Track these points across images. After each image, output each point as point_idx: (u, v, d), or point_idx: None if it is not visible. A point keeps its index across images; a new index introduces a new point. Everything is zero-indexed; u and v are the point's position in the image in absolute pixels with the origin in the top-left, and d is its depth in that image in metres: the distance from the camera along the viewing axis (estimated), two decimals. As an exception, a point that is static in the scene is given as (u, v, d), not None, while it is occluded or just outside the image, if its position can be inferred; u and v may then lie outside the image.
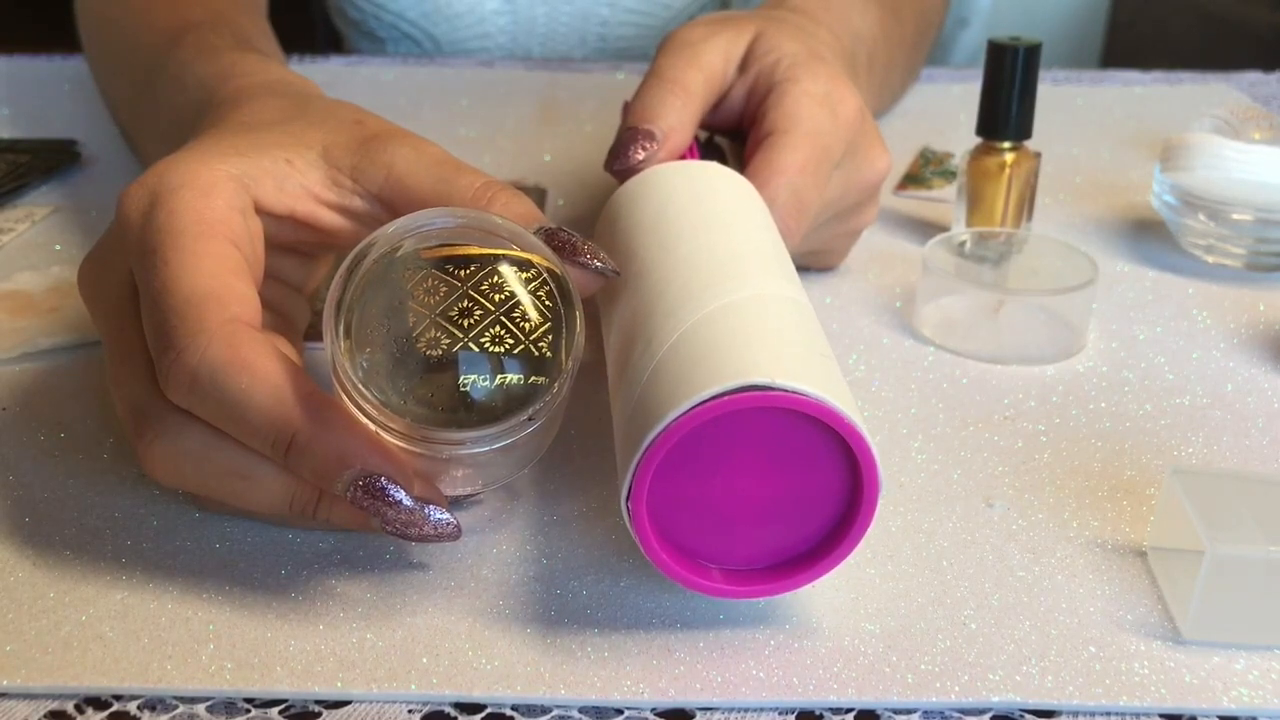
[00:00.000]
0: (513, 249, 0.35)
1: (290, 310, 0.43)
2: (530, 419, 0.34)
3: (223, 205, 0.37)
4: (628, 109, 0.50)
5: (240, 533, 0.38)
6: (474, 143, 0.75)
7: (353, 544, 0.38)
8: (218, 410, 0.34)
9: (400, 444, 0.35)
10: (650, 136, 0.47)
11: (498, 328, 0.34)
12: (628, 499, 0.33)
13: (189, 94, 0.50)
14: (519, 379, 0.34)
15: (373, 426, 0.34)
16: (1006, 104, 0.57)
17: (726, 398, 0.31)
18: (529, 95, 0.85)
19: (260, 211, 0.39)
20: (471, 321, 0.34)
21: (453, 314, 0.34)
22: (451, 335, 0.33)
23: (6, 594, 0.36)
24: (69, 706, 0.32)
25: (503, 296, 0.34)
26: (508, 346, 0.34)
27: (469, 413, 0.34)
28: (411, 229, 0.35)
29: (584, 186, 0.68)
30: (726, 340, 0.34)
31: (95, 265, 0.39)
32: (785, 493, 0.34)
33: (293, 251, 0.43)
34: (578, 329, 0.35)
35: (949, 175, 0.70)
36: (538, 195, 0.66)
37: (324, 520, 0.36)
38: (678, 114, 0.48)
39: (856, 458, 0.33)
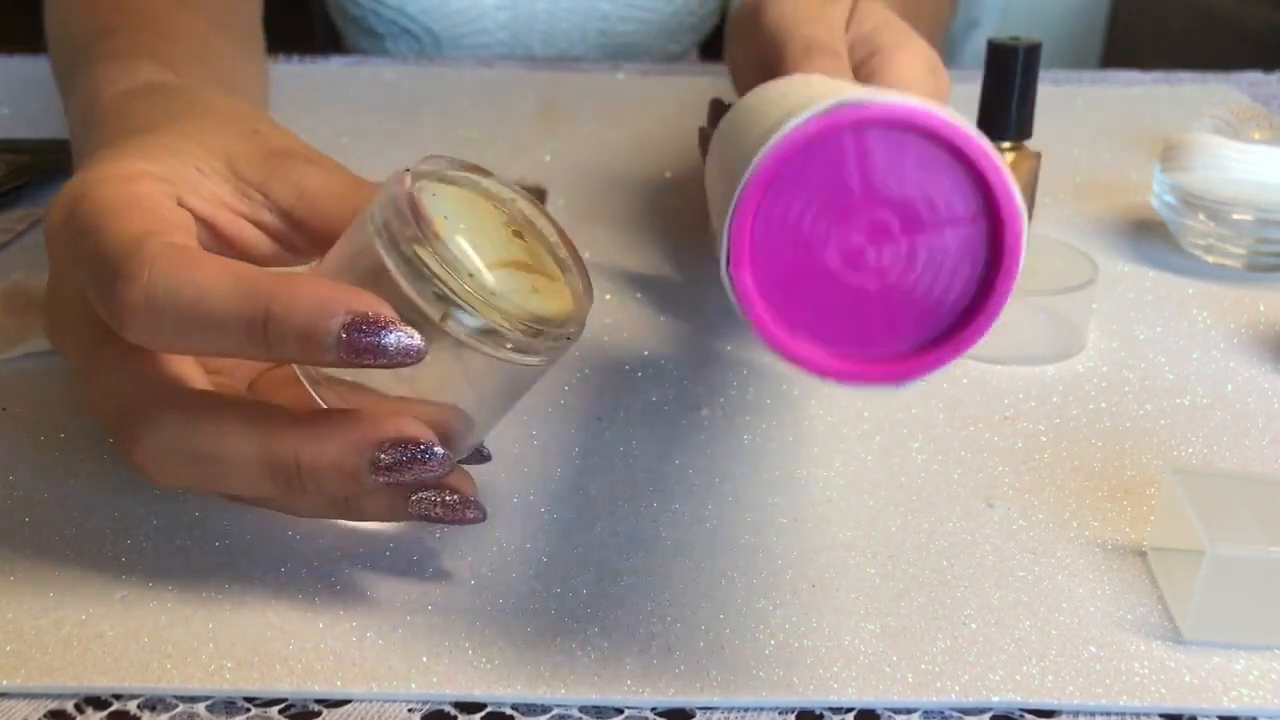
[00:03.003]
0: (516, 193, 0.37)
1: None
2: (569, 337, 0.35)
3: (150, 187, 0.36)
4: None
5: (240, 531, 0.38)
6: (474, 143, 0.75)
7: (353, 543, 0.38)
8: (181, 318, 0.32)
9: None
10: None
11: (550, 256, 0.36)
12: (728, 266, 0.29)
13: (75, 111, 0.48)
14: (565, 302, 0.35)
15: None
16: (1006, 104, 0.57)
17: (831, 112, 0.28)
18: (529, 95, 0.85)
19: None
20: (533, 249, 0.36)
21: (515, 243, 0.35)
22: (519, 261, 0.35)
23: (6, 594, 0.36)
24: (69, 706, 0.32)
25: (544, 226, 0.37)
26: (560, 270, 0.36)
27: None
28: (436, 169, 0.36)
29: (584, 186, 0.68)
30: (828, 89, 0.33)
31: (51, 310, 0.38)
32: (908, 252, 0.29)
33: None
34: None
35: (949, 175, 0.70)
36: (538, 195, 0.66)
37: (349, 509, 0.36)
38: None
39: (988, 181, 0.28)
